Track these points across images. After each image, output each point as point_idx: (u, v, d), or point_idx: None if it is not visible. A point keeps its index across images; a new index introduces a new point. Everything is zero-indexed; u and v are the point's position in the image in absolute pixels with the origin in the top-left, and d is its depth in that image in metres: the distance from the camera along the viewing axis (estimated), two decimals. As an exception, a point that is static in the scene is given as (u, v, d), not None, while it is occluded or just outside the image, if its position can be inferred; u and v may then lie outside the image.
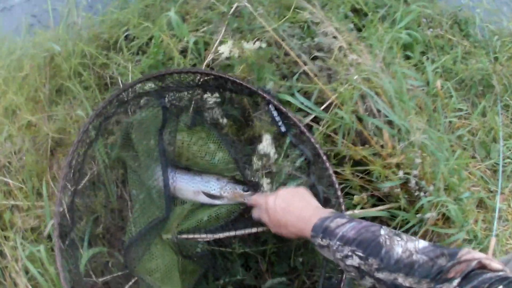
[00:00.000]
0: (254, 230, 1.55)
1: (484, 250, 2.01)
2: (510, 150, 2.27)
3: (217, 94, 1.72)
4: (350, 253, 1.05)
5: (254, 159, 1.68)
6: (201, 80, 1.67)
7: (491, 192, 2.15)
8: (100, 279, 1.51)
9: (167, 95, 1.69)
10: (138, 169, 1.65)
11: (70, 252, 1.39)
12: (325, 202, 1.55)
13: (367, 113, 1.75)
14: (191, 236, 1.54)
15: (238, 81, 1.64)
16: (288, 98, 1.73)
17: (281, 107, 1.63)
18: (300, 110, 1.75)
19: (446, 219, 1.83)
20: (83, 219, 1.57)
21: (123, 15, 2.24)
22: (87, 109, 1.95)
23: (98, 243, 1.60)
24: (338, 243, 1.09)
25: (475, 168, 2.10)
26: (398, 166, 1.73)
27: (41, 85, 2.10)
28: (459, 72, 2.30)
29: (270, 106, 1.64)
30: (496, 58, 2.51)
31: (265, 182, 1.64)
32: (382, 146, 1.72)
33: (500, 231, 2.09)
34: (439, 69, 2.22)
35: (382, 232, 1.04)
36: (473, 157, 2.15)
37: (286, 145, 1.67)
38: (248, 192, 1.61)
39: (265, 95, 1.63)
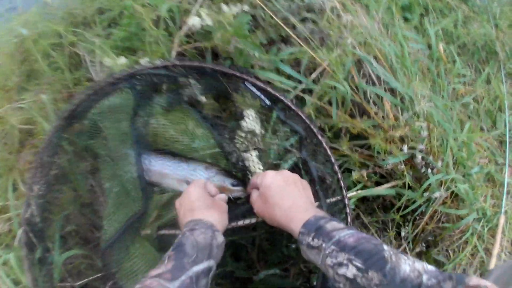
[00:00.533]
0: (241, 222, 1.35)
1: (493, 228, 1.83)
2: (516, 121, 2.07)
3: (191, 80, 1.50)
4: (345, 262, 0.91)
5: (238, 136, 1.45)
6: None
7: (498, 165, 1.95)
8: (77, 283, 1.40)
9: (138, 77, 1.47)
10: (110, 158, 1.46)
11: (42, 260, 1.31)
12: (320, 182, 1.36)
13: (365, 81, 1.52)
14: (172, 231, 1.36)
15: (209, 66, 1.42)
16: (270, 75, 1.49)
17: (259, 83, 1.40)
18: (290, 78, 1.51)
19: (454, 197, 1.63)
20: (53, 218, 1.43)
21: None
22: (55, 92, 1.75)
23: (71, 243, 1.45)
24: (333, 247, 0.95)
25: (481, 139, 1.89)
26: (402, 139, 1.51)
27: (11, 73, 1.90)
28: (460, 36, 2.08)
29: (246, 84, 1.41)
30: (496, 25, 2.30)
31: (253, 155, 1.43)
32: (383, 118, 1.49)
33: (509, 207, 1.90)
34: (440, 32, 1.99)
35: (386, 247, 0.91)
36: (480, 127, 1.95)
37: (273, 120, 1.44)
38: (237, 188, 1.40)
39: (238, 74, 1.41)
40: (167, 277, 0.92)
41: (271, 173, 1.18)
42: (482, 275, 1.77)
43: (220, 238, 1.09)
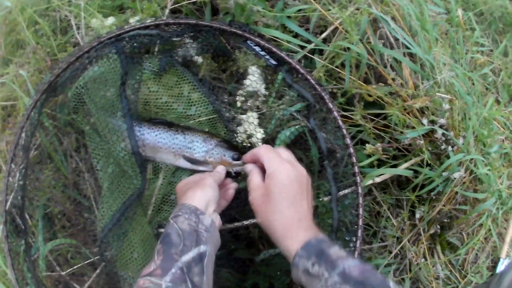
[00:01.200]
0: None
1: (507, 211, 1.68)
2: (532, 98, 1.91)
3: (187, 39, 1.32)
4: None
5: (239, 98, 1.26)
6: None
7: (514, 142, 1.80)
8: (64, 272, 1.32)
9: (124, 39, 1.28)
10: (97, 134, 1.31)
11: (26, 251, 1.24)
12: (329, 154, 1.21)
13: (381, 43, 1.33)
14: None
15: (206, 24, 1.24)
16: (276, 33, 1.28)
17: (262, 42, 1.22)
18: (298, 36, 1.31)
19: (473, 177, 1.46)
20: (35, 204, 1.34)
21: None
22: (40, 61, 1.58)
23: (57, 227, 1.37)
24: (337, 278, 0.83)
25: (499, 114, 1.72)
26: (421, 111, 1.32)
27: None
28: (477, 4, 1.89)
29: (248, 42, 1.22)
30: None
31: (254, 117, 1.26)
32: (401, 85, 1.30)
33: (525, 189, 1.74)
34: (458, -2, 1.80)
35: (391, 283, 0.83)
36: (496, 100, 1.78)
37: (278, 83, 1.25)
38: (238, 162, 1.23)
39: (240, 32, 1.23)
40: (158, 273, 0.86)
41: (286, 169, 0.98)
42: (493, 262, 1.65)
43: (207, 221, 0.96)
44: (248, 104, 1.25)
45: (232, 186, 1.19)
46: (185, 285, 0.85)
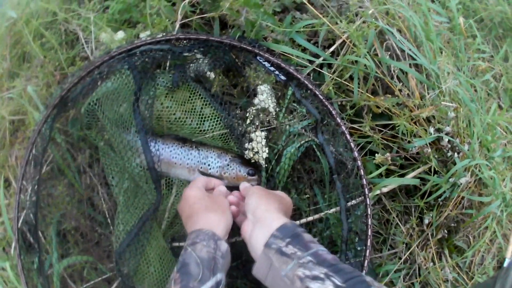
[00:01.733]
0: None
1: (511, 213, 1.70)
2: (533, 102, 1.93)
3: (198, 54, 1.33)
4: (322, 276, 0.82)
5: (250, 114, 1.28)
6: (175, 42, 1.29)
7: (516, 146, 1.82)
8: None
9: (136, 54, 1.29)
10: (112, 150, 1.32)
11: (40, 268, 1.22)
12: (339, 166, 1.25)
13: (388, 55, 1.35)
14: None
15: (216, 39, 1.26)
16: (285, 48, 1.30)
17: (271, 57, 1.24)
18: (305, 50, 1.33)
19: (478, 181, 1.49)
20: (48, 221, 1.33)
21: None
22: (48, 75, 1.56)
23: (71, 242, 1.36)
24: (309, 258, 0.86)
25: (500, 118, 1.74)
26: (428, 120, 1.35)
27: (1, 59, 1.74)
28: (477, 11, 1.91)
29: (258, 58, 1.24)
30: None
31: (260, 137, 1.28)
32: (408, 96, 1.33)
33: (529, 191, 1.76)
34: (460, 5, 1.81)
35: (365, 274, 0.88)
36: (499, 105, 1.80)
37: (288, 98, 1.27)
38: (254, 177, 1.25)
39: (250, 47, 1.25)
40: None
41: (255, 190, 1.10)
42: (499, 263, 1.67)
43: (224, 246, 0.98)
44: (259, 120, 1.26)
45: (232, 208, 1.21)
46: None
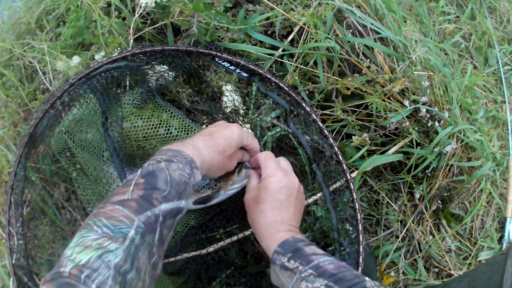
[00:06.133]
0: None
1: (504, 171, 1.63)
2: (507, 56, 1.85)
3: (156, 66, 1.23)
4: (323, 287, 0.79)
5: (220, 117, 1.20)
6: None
7: (497, 103, 1.74)
8: None
9: (95, 76, 1.19)
10: (87, 179, 1.22)
11: None
12: (317, 155, 1.15)
13: (350, 33, 1.26)
14: (172, 259, 1.16)
15: (171, 48, 1.16)
16: (242, 46, 1.21)
17: (229, 56, 1.15)
18: (273, 47, 1.25)
19: (464, 146, 1.41)
20: (39, 262, 1.23)
21: None
22: (13, 114, 1.48)
23: None
24: (310, 271, 0.82)
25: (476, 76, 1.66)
26: (402, 93, 1.26)
27: None
28: (437, -27, 1.82)
29: (216, 59, 1.16)
30: None
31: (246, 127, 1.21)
32: (377, 71, 1.24)
33: (516, 147, 1.69)
34: (416, -30, 1.72)
35: (367, 278, 0.81)
36: (473, 65, 1.72)
37: (253, 93, 1.19)
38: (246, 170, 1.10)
39: (206, 50, 1.16)
40: (133, 206, 0.72)
41: (278, 176, 0.96)
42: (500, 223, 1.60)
43: (198, 177, 0.86)
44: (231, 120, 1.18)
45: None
46: (154, 235, 0.73)
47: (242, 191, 1.07)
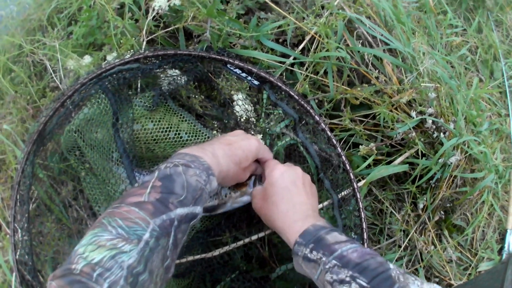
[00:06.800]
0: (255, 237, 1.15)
1: (506, 184, 1.65)
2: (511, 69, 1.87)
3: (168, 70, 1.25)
4: (348, 279, 0.78)
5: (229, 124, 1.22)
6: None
7: (501, 116, 1.75)
8: None
9: (107, 77, 1.21)
10: (96, 179, 1.24)
11: None
12: (325, 163, 1.17)
13: (360, 44, 1.28)
14: (178, 261, 1.16)
15: (184, 52, 1.17)
16: (254, 53, 1.22)
17: (241, 63, 1.16)
18: (284, 55, 1.26)
19: (468, 158, 1.42)
20: (43, 259, 1.22)
21: None
22: (22, 110, 1.49)
23: None
24: (334, 262, 0.81)
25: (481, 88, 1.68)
26: (409, 104, 1.28)
27: None
28: (446, -14, 1.84)
29: (228, 66, 1.17)
30: None
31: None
32: (385, 82, 1.25)
33: (519, 160, 1.71)
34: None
35: (391, 266, 0.80)
36: (479, 78, 1.74)
37: (264, 102, 1.20)
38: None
39: (218, 57, 1.17)
40: (149, 209, 0.72)
41: (280, 169, 0.98)
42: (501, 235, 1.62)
43: (214, 184, 0.87)
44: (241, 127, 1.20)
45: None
46: (168, 239, 0.73)
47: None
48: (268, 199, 0.96)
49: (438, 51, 1.48)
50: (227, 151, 0.91)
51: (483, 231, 1.58)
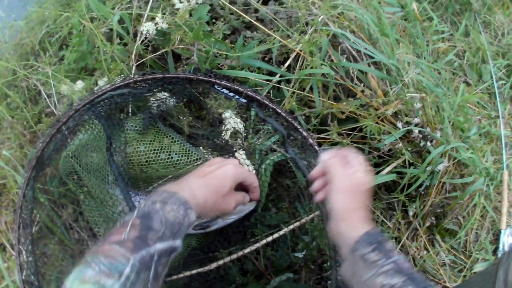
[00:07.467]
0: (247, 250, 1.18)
1: (498, 185, 1.67)
2: (501, 70, 1.89)
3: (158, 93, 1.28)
4: (399, 285, 0.79)
5: (220, 142, 1.25)
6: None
7: (492, 118, 1.78)
8: None
9: (99, 103, 1.25)
10: (94, 201, 1.28)
11: None
12: None
13: (344, 58, 1.31)
14: (175, 277, 1.18)
15: (172, 75, 1.21)
16: (241, 73, 1.25)
17: (228, 83, 1.20)
18: (270, 72, 1.29)
19: (457, 163, 1.45)
20: (48, 279, 1.26)
21: (42, 10, 1.70)
22: (19, 135, 1.53)
23: None
24: (389, 266, 0.83)
25: (468, 92, 1.70)
26: (395, 115, 1.31)
27: None
28: (431, -9, 1.86)
29: (215, 87, 1.20)
30: None
31: (241, 154, 1.24)
32: (371, 95, 1.28)
33: (510, 160, 1.73)
34: (410, -10, 1.76)
35: (432, 283, 0.85)
36: (467, 83, 1.76)
37: (252, 119, 1.23)
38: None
39: (206, 78, 1.21)
40: (129, 246, 0.77)
41: (343, 174, 0.99)
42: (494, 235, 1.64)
43: (193, 217, 0.91)
44: (233, 146, 1.23)
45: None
46: (148, 272, 0.77)
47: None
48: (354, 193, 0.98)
49: (425, 59, 1.51)
50: (202, 183, 0.95)
51: (476, 233, 1.61)
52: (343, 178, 0.98)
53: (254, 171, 1.22)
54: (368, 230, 0.89)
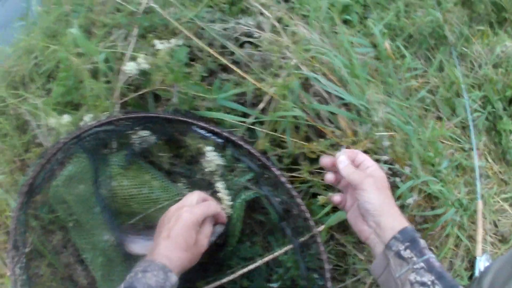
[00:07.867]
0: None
1: (472, 215, 1.72)
2: (476, 103, 1.96)
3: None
4: (429, 283, 0.86)
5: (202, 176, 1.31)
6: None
7: (466, 151, 1.84)
8: None
9: (85, 138, 1.34)
10: (82, 229, 1.35)
11: None
12: (286, 213, 1.27)
13: (316, 100, 1.38)
14: None
15: (152, 115, 1.31)
16: (218, 114, 1.34)
17: (205, 125, 1.29)
18: (245, 114, 1.37)
19: (427, 195, 1.51)
20: None
21: (29, 40, 1.78)
22: (9, 163, 1.61)
23: None
24: (422, 264, 0.89)
25: (443, 129, 1.76)
26: (366, 153, 1.37)
27: None
28: (405, 28, 1.93)
29: (193, 127, 1.29)
30: (439, 3, 2.14)
31: (220, 186, 1.29)
32: (341, 135, 1.36)
33: (485, 191, 1.79)
34: (383, 29, 1.83)
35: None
36: (438, 118, 1.83)
37: (227, 158, 1.30)
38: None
39: (185, 119, 1.29)
40: None
41: (368, 179, 1.04)
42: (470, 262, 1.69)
43: (174, 279, 0.97)
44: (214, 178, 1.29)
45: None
46: None
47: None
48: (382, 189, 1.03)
49: (396, 97, 1.58)
50: (170, 245, 1.01)
51: (450, 261, 1.65)
52: (378, 173, 1.05)
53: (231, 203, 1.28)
54: (406, 227, 0.95)
